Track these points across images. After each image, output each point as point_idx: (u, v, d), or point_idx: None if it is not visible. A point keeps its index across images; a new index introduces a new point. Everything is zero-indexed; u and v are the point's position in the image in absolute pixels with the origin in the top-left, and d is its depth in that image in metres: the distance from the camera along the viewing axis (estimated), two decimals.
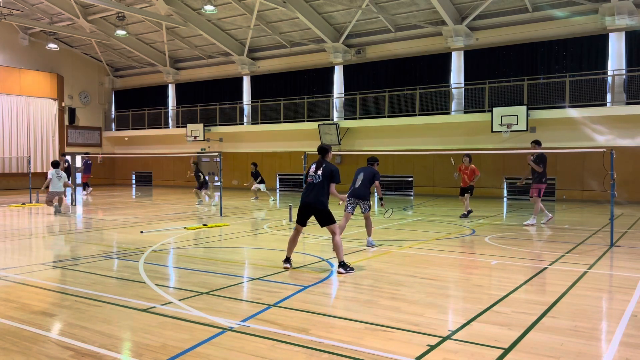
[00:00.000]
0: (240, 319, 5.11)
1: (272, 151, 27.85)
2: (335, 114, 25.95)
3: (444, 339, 4.56)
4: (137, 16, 25.78)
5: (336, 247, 7.31)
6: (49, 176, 15.76)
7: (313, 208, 7.38)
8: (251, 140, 28.63)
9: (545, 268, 7.63)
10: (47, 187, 15.75)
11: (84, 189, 24.72)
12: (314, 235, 10.82)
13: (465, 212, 14.39)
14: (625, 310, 5.42)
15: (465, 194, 14.36)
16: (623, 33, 19.62)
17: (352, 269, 7.24)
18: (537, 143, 12.78)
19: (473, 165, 14.32)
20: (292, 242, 7.62)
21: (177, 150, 30.73)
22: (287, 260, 7.55)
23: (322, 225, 7.44)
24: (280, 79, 28.08)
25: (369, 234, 9.56)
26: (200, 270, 7.45)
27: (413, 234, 11.41)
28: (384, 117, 23.81)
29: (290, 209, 14.03)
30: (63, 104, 31.95)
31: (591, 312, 5.44)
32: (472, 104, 22.27)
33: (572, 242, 9.96)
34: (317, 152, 7.72)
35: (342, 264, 7.23)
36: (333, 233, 7.37)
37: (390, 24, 23.75)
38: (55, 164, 16.28)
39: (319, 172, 7.41)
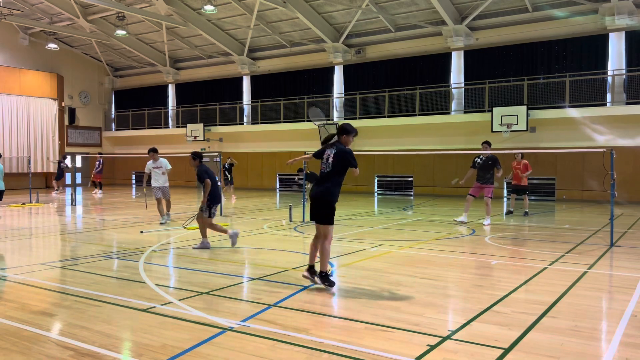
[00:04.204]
0: (240, 319, 5.11)
1: (272, 151, 27.84)
2: (335, 114, 25.95)
3: (444, 339, 4.56)
4: (137, 16, 25.78)
5: (323, 254, 6.28)
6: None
7: (318, 201, 6.28)
8: (251, 140, 28.63)
9: (545, 268, 7.63)
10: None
11: (100, 188, 25.27)
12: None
13: (527, 210, 14.93)
14: (625, 310, 5.41)
15: (521, 194, 15.00)
16: (623, 33, 19.63)
17: (333, 283, 6.28)
18: (487, 144, 12.73)
19: (526, 161, 14.90)
20: (313, 247, 6.48)
21: (177, 150, 30.72)
22: (310, 269, 6.42)
23: (317, 222, 6.32)
24: (280, 79, 28.08)
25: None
26: (200, 270, 7.45)
27: (413, 234, 11.41)
28: (384, 117, 23.82)
29: (290, 209, 14.02)
30: (63, 104, 31.95)
31: (591, 312, 5.44)
32: (472, 104, 22.27)
33: (572, 242, 9.96)
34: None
35: (324, 275, 6.27)
36: (325, 236, 6.29)
37: (390, 24, 23.75)
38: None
39: (330, 160, 6.26)
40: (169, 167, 13.30)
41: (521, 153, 15.07)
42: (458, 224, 12.62)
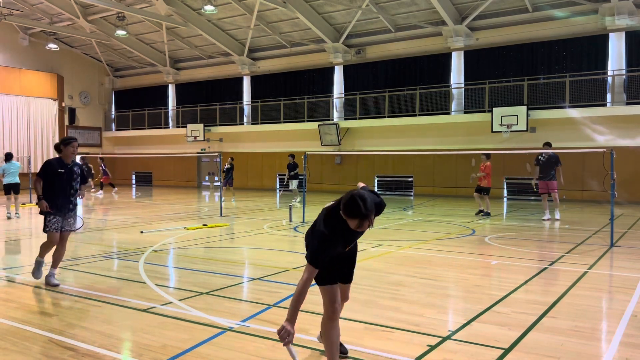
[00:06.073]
0: (240, 319, 5.11)
1: (272, 151, 27.83)
2: (335, 114, 25.95)
3: (444, 339, 4.56)
4: (137, 16, 25.78)
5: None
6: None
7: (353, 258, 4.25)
8: (251, 140, 28.63)
9: (545, 268, 7.63)
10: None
11: (101, 189, 25.33)
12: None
13: (487, 211, 14.88)
14: (625, 310, 5.41)
15: (478, 193, 14.91)
16: (623, 33, 19.63)
17: None
18: (548, 144, 13.53)
19: (488, 163, 14.84)
20: (334, 331, 3.83)
21: (177, 150, 30.72)
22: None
23: (348, 281, 4.18)
24: (280, 79, 28.08)
25: None
26: (200, 270, 7.45)
27: (413, 234, 11.41)
28: (384, 117, 23.81)
29: (290, 209, 14.02)
30: (63, 104, 31.94)
31: (591, 312, 5.44)
32: (472, 104, 22.27)
33: (572, 242, 9.96)
34: None
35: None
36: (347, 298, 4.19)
37: (390, 24, 23.75)
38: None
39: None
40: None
41: (485, 154, 14.90)
42: (545, 222, 13.28)
